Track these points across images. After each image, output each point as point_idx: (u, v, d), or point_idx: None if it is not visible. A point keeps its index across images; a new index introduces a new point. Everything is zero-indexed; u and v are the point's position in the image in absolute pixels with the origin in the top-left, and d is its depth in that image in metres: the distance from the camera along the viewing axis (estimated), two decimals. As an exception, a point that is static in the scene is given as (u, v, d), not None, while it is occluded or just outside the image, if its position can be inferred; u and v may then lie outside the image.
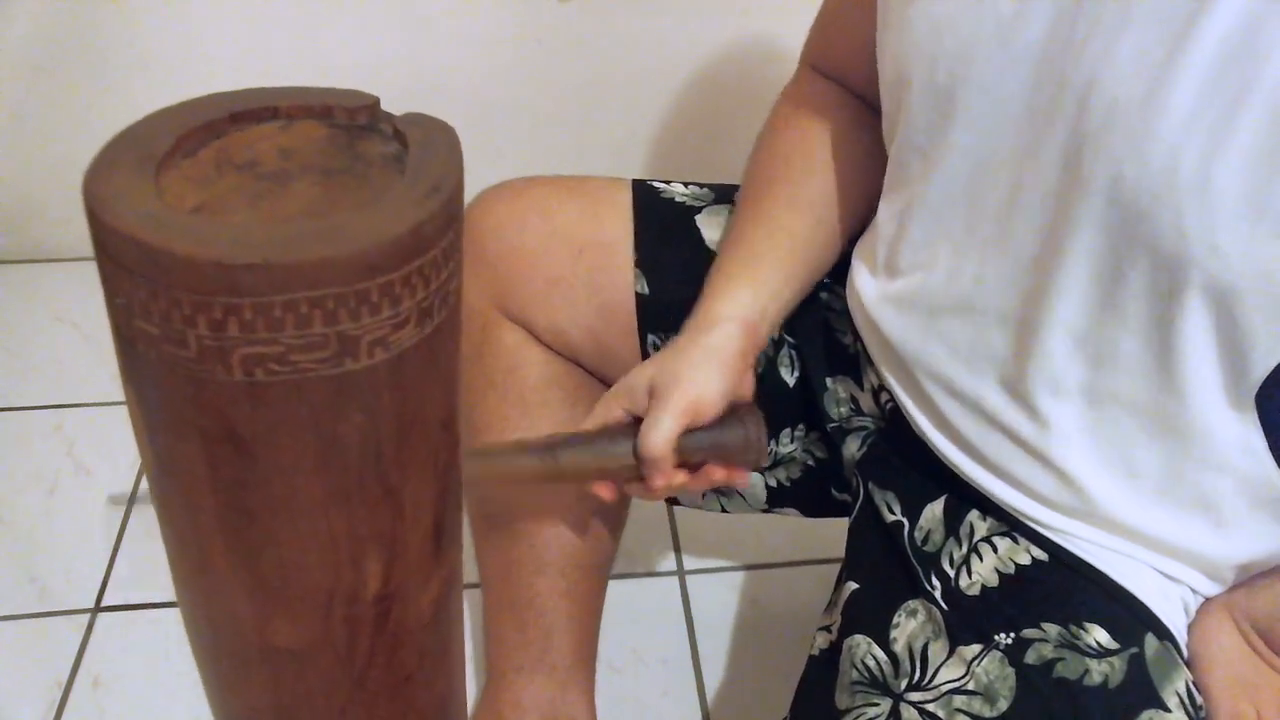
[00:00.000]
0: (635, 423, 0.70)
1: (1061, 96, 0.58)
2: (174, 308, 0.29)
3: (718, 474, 0.71)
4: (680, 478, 0.70)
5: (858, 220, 0.81)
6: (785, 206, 0.79)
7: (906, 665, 0.67)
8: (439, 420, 0.37)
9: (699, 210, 0.87)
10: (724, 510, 0.93)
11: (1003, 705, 0.63)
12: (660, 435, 0.67)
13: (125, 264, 0.30)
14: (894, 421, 0.78)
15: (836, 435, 0.83)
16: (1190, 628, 0.67)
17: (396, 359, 0.32)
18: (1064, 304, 0.61)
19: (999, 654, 0.65)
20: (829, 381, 0.83)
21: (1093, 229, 0.58)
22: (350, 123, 0.37)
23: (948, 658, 0.66)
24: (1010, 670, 0.64)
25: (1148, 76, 0.54)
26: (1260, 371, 0.57)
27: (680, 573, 1.16)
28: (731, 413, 0.71)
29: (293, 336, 0.30)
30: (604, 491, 0.73)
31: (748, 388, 0.73)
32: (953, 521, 0.72)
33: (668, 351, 0.72)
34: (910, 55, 0.65)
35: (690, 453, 0.69)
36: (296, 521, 0.36)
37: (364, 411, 0.33)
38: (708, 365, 0.70)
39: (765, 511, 0.92)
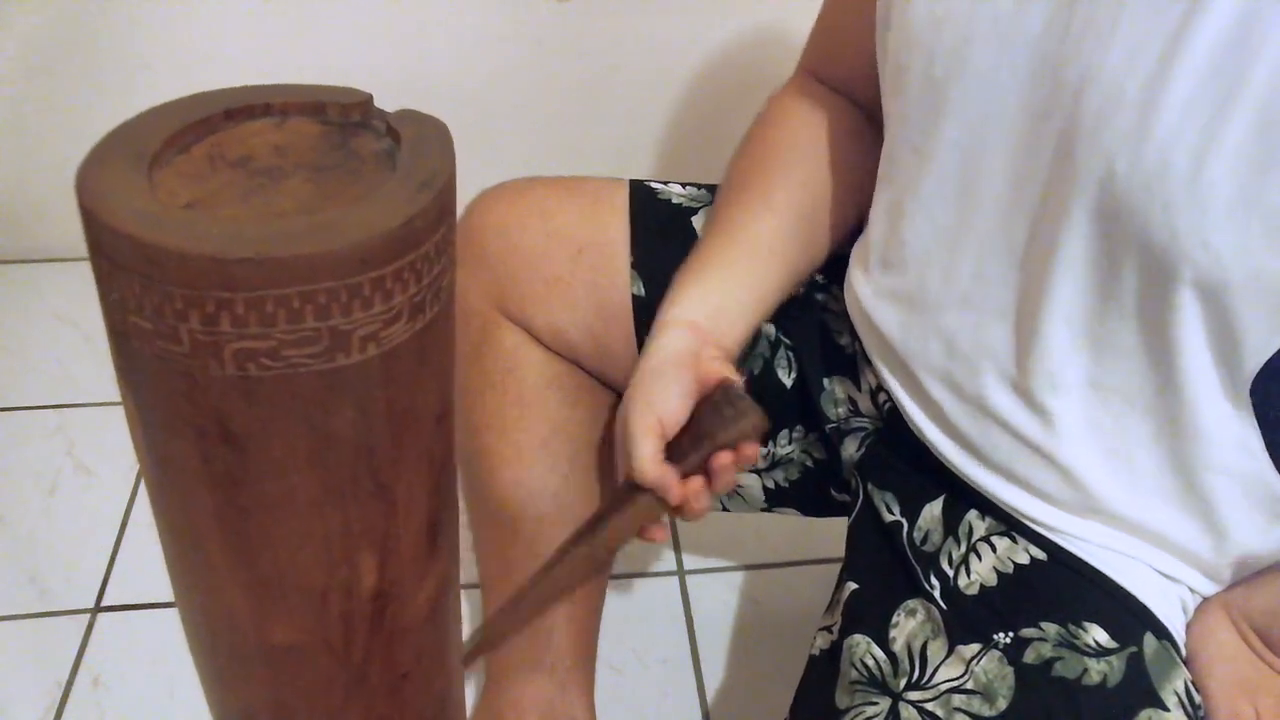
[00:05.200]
0: None
1: (1056, 91, 0.58)
2: (166, 302, 0.29)
3: (725, 460, 0.70)
4: (697, 484, 0.69)
5: (845, 222, 0.81)
6: (750, 208, 0.78)
7: (906, 664, 0.67)
8: (433, 415, 0.37)
9: (696, 211, 0.87)
10: (724, 510, 0.93)
11: (1001, 704, 0.63)
12: (642, 459, 0.66)
13: (118, 259, 0.30)
14: (892, 422, 0.78)
15: (835, 436, 0.83)
16: (1189, 627, 0.67)
17: (389, 354, 0.32)
18: (1060, 299, 0.61)
19: (998, 653, 0.64)
20: (826, 382, 0.83)
21: (1086, 223, 0.58)
22: (343, 119, 0.37)
23: (947, 657, 0.66)
24: (1009, 669, 0.64)
25: (1142, 73, 0.54)
26: (1253, 366, 0.58)
27: (680, 573, 1.16)
28: (704, 402, 0.70)
29: (285, 331, 0.30)
30: (657, 535, 0.72)
31: (713, 378, 0.71)
32: (951, 521, 0.72)
33: (628, 389, 0.71)
34: (909, 50, 0.65)
35: (689, 459, 0.69)
36: (291, 518, 0.36)
37: (356, 407, 0.33)
38: (656, 377, 0.69)
39: (765, 511, 0.92)
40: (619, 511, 0.70)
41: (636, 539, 0.72)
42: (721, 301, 0.74)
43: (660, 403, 0.68)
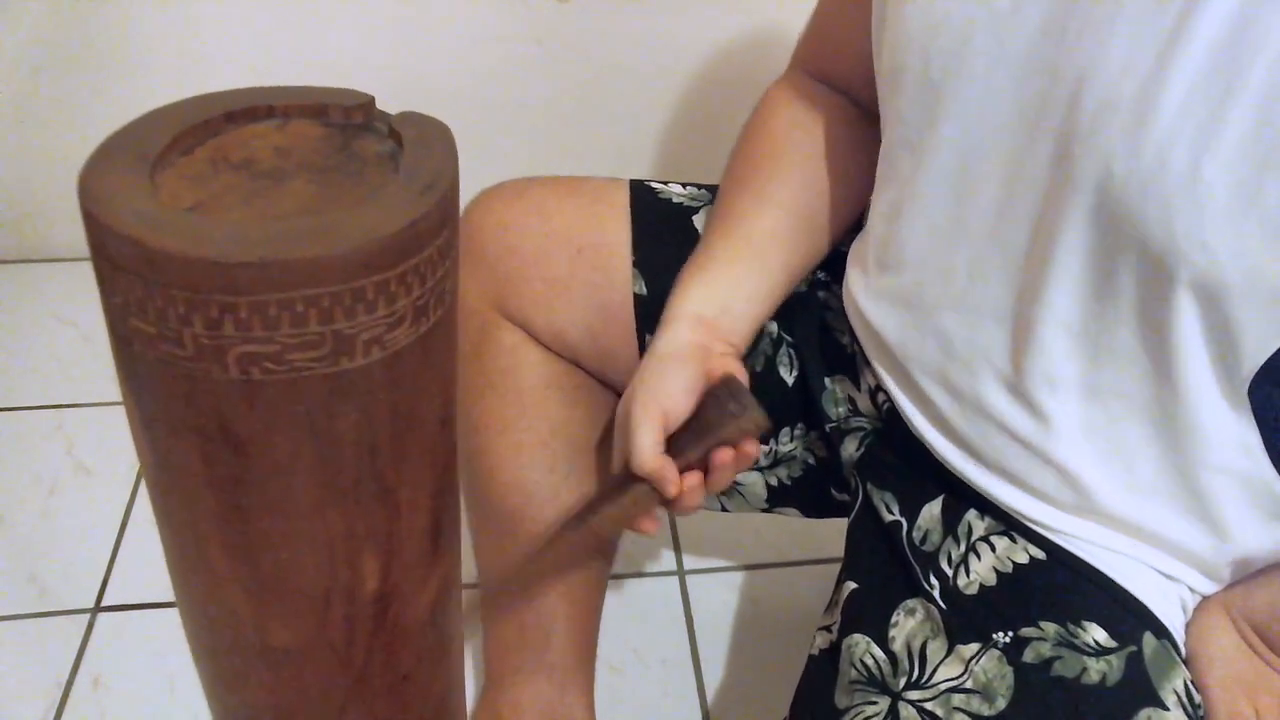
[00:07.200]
0: None
1: (1053, 92, 0.58)
2: (170, 306, 0.29)
3: (725, 457, 0.70)
4: (694, 479, 0.69)
5: (845, 217, 0.81)
6: (752, 204, 0.79)
7: (905, 664, 0.67)
8: (436, 418, 0.37)
9: (696, 210, 0.87)
10: (724, 510, 0.93)
11: (1001, 704, 0.63)
12: (643, 448, 0.67)
13: (121, 263, 0.30)
14: (891, 422, 0.78)
15: (835, 435, 0.83)
16: (1188, 626, 0.67)
17: (392, 357, 0.32)
18: (1058, 299, 0.61)
19: (997, 653, 0.65)
20: (827, 381, 0.83)
21: (1083, 224, 0.58)
22: (345, 121, 0.37)
23: (946, 656, 0.66)
24: (1008, 669, 0.64)
25: (1139, 74, 0.54)
26: (1251, 366, 0.58)
27: (680, 573, 1.16)
28: (708, 397, 0.70)
29: (288, 335, 0.30)
30: (648, 526, 0.72)
31: (719, 373, 0.71)
32: (951, 521, 0.72)
33: (633, 379, 0.72)
34: (905, 50, 0.65)
35: (688, 452, 0.69)
36: (293, 520, 0.36)
37: (360, 410, 0.33)
38: (662, 368, 0.69)
39: (765, 511, 0.92)
40: (612, 500, 0.71)
41: (627, 530, 0.72)
42: (728, 297, 0.75)
43: (665, 394, 0.68)
